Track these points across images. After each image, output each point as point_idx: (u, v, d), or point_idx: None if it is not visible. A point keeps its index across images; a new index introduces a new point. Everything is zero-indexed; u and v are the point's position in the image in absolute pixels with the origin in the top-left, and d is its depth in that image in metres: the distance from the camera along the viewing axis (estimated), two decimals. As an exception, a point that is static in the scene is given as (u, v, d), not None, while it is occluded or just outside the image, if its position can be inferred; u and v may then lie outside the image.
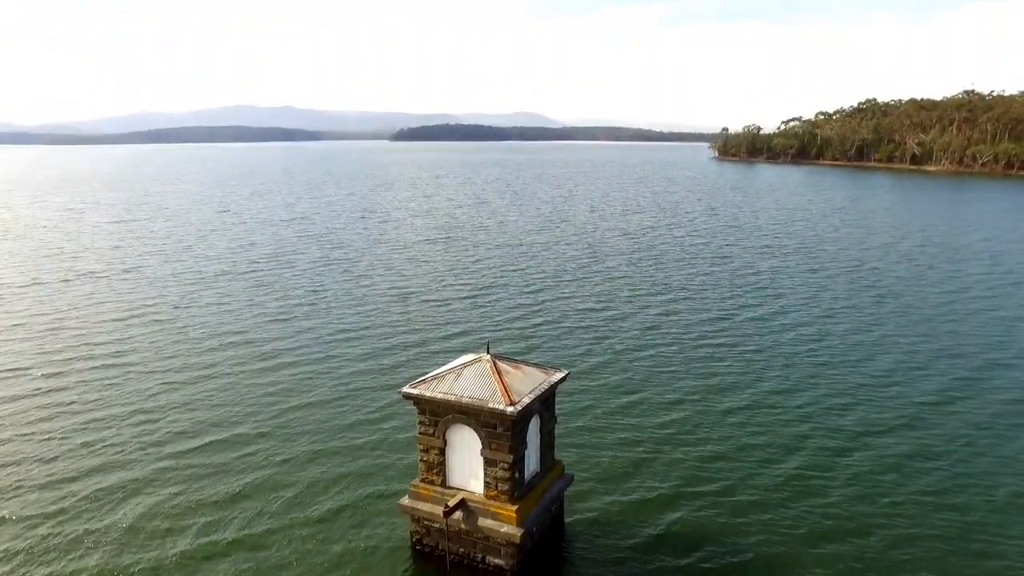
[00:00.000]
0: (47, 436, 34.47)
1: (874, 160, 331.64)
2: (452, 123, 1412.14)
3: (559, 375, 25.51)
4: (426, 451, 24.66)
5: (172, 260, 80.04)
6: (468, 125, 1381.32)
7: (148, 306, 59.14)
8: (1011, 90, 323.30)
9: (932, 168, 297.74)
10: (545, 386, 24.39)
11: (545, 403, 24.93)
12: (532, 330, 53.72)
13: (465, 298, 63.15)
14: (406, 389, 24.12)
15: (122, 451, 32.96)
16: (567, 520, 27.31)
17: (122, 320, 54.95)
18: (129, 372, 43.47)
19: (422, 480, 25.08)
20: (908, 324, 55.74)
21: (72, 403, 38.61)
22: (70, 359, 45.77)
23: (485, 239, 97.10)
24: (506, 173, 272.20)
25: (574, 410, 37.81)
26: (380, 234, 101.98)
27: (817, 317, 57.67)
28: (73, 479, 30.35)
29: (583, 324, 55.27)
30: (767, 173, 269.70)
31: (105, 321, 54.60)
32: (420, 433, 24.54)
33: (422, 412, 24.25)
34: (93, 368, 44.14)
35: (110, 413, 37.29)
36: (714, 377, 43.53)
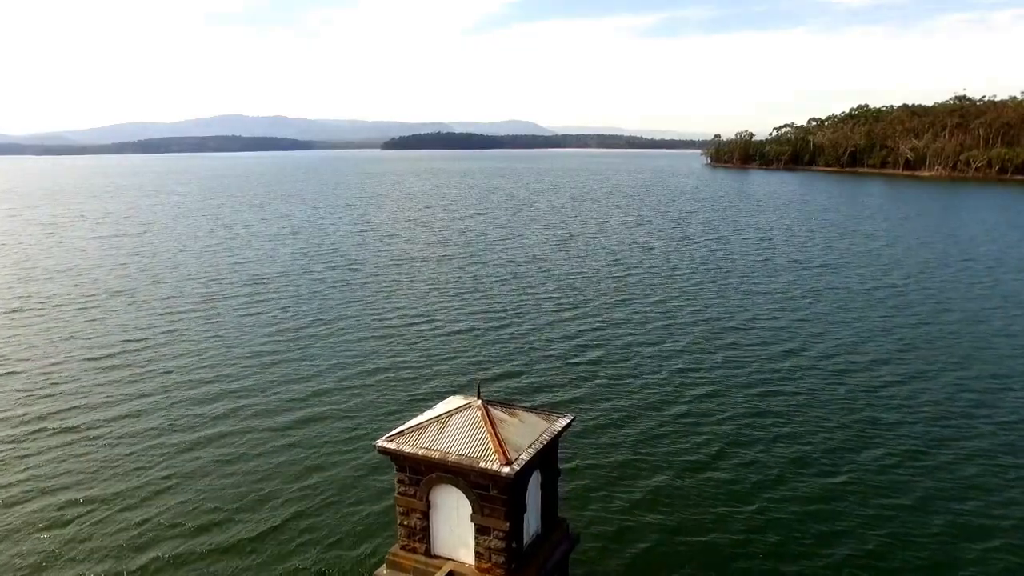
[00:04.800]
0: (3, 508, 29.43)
1: (867, 166, 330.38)
2: (444, 131, 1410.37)
3: (563, 421, 21.75)
4: (406, 514, 20.83)
5: (158, 282, 74.11)
6: (460, 133, 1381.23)
7: (122, 341, 52.35)
8: (1002, 95, 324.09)
9: (926, 173, 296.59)
10: (547, 436, 20.62)
11: (547, 456, 21.16)
12: (535, 364, 47.28)
13: (460, 325, 57.48)
14: (382, 443, 20.30)
15: (79, 530, 27.94)
16: (572, 586, 23.51)
17: (91, 357, 48.56)
18: (92, 421, 37.90)
19: (402, 547, 21.23)
20: (984, 342, 51.39)
21: (29, 461, 32.94)
22: (32, 404, 39.95)
23: (490, 257, 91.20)
24: (505, 183, 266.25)
25: (582, 459, 33.12)
26: (376, 252, 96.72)
27: (890, 352, 49.71)
28: (30, 560, 25.92)
29: (597, 357, 48.76)
30: (765, 180, 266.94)
31: (77, 358, 48.28)
32: (399, 493, 20.71)
33: (401, 469, 20.43)
34: (56, 416, 38.20)
35: (57, 471, 32.04)
36: (752, 426, 36.65)
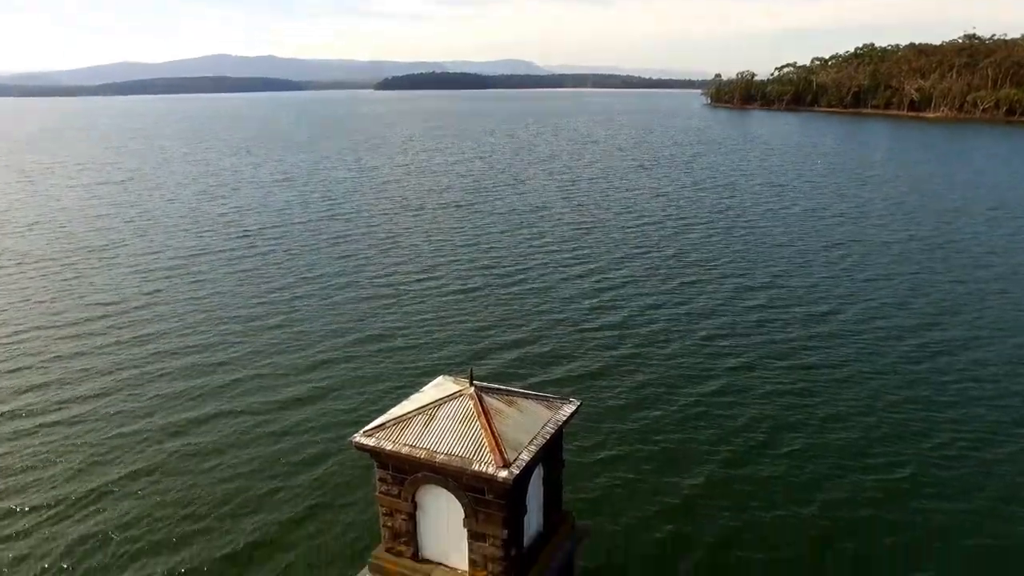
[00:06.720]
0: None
1: (871, 107, 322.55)
2: (438, 71, 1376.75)
3: (568, 408, 19.06)
4: (390, 515, 18.34)
5: (140, 236, 69.76)
6: (455, 73, 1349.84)
7: (95, 305, 48.29)
8: (1013, 34, 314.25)
9: (931, 115, 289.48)
10: (550, 428, 17.97)
11: (550, 449, 18.54)
12: (544, 329, 42.85)
13: (462, 284, 53.10)
14: (359, 438, 17.62)
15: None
16: (577, 583, 21.21)
17: (58, 325, 44.72)
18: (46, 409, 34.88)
19: (386, 550, 18.83)
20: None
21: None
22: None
23: (491, 205, 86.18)
24: (502, 124, 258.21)
25: (596, 444, 29.45)
26: (373, 200, 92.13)
27: (932, 315, 45.39)
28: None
29: (613, 321, 44.36)
30: (767, 121, 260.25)
31: (43, 325, 44.44)
32: (381, 492, 18.18)
33: (382, 466, 17.83)
34: (9, 398, 34.71)
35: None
36: (797, 407, 32.65)
